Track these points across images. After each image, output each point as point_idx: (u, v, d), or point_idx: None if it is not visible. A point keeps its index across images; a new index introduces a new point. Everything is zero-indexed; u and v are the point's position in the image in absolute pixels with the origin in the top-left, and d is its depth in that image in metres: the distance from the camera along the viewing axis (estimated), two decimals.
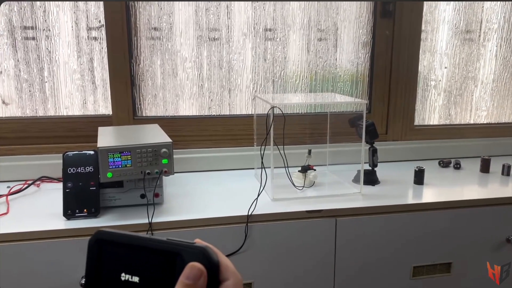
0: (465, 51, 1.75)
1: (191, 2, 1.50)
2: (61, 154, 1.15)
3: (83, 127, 1.49)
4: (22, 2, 1.40)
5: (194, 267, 0.35)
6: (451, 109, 1.80)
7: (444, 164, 1.62)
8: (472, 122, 1.83)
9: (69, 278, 1.04)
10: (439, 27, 1.70)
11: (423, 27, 1.66)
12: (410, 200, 1.30)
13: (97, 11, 1.45)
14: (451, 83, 1.77)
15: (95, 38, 1.48)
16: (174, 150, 1.21)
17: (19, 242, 1.03)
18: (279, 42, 1.59)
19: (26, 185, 1.32)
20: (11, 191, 1.27)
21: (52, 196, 1.25)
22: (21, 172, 1.39)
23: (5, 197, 1.23)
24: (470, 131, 1.78)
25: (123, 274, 0.37)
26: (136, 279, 0.37)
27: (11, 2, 1.40)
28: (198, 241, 0.38)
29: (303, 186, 1.34)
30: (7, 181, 1.36)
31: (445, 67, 1.75)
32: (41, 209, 1.17)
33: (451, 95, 1.78)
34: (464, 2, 1.69)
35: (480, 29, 1.74)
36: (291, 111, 1.63)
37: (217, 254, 0.37)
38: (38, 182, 1.37)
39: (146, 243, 0.37)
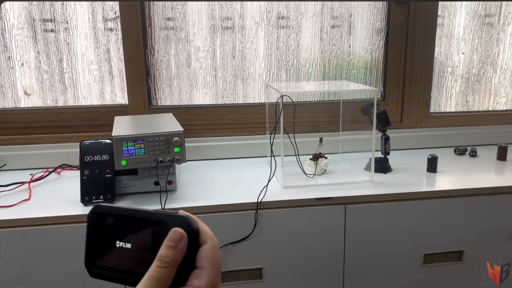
0: (484, 36, 1.71)
1: None
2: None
3: (101, 117, 1.54)
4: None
5: (176, 231, 0.39)
6: (469, 95, 1.77)
7: (460, 151, 1.60)
8: (490, 109, 1.79)
9: None
10: (456, 12, 1.67)
11: (439, 12, 1.63)
12: (421, 188, 1.29)
13: (113, 2, 1.48)
14: (468, 69, 1.74)
15: (111, 29, 1.51)
16: (188, 139, 1.25)
17: (40, 226, 1.08)
18: (291, 30, 1.59)
19: (47, 173, 1.38)
20: (33, 178, 1.33)
21: (71, 183, 1.30)
22: (43, 160, 1.45)
23: (27, 184, 1.29)
24: (488, 118, 1.74)
25: (117, 242, 0.42)
26: (128, 245, 0.42)
27: (11, 2, 1.44)
28: (182, 212, 0.42)
29: (314, 174, 1.35)
30: (29, 168, 1.43)
31: (463, 53, 1.71)
32: (60, 195, 1.22)
33: (469, 82, 1.75)
34: None
35: (500, 13, 1.70)
36: (303, 99, 1.63)
37: (197, 222, 0.42)
38: (58, 170, 1.43)
39: (136, 214, 0.42)
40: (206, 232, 0.41)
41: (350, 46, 1.64)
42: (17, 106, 1.52)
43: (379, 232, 1.23)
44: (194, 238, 0.41)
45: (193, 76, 1.58)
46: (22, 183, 1.29)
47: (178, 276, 0.40)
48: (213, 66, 1.58)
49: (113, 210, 0.43)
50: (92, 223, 0.43)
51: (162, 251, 0.39)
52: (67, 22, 1.48)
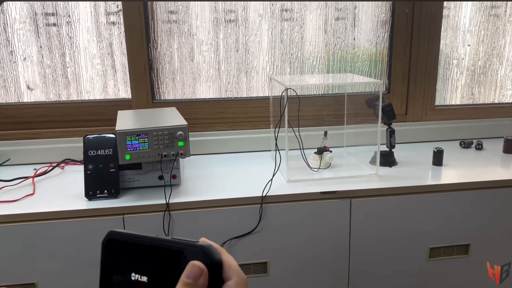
0: (490, 27, 1.69)
1: None
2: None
3: (104, 111, 1.53)
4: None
5: (194, 265, 0.35)
6: (474, 88, 1.75)
7: (466, 144, 1.58)
8: (496, 101, 1.78)
9: (90, 256, 1.09)
10: (462, 3, 1.64)
11: (445, 4, 1.61)
12: (426, 181, 1.29)
13: None
14: (474, 61, 1.72)
15: (113, 23, 1.50)
16: (191, 133, 1.24)
17: (44, 221, 1.08)
18: (295, 23, 1.58)
19: (51, 167, 1.38)
20: (37, 173, 1.33)
21: (75, 178, 1.30)
22: (46, 155, 1.45)
23: (31, 178, 1.28)
24: (494, 110, 1.73)
25: (133, 274, 0.38)
26: (144, 278, 0.37)
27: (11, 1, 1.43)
28: (203, 240, 0.38)
29: (319, 168, 1.34)
30: (33, 163, 1.42)
31: (468, 45, 1.69)
32: (64, 190, 1.22)
33: (475, 74, 1.73)
34: None
35: (507, 4, 1.67)
36: (308, 93, 1.62)
37: (220, 253, 0.37)
38: (62, 165, 1.42)
39: (152, 243, 0.38)
40: (230, 265, 0.36)
41: (354, 39, 1.62)
42: (20, 101, 1.52)
43: (385, 225, 1.23)
44: (216, 272, 0.36)
45: (196, 69, 1.57)
46: (26, 178, 1.28)
47: None
48: (217, 59, 1.57)
49: (128, 238, 0.39)
50: (106, 251, 0.39)
51: None
52: (69, 16, 1.47)
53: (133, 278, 0.38)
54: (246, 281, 0.37)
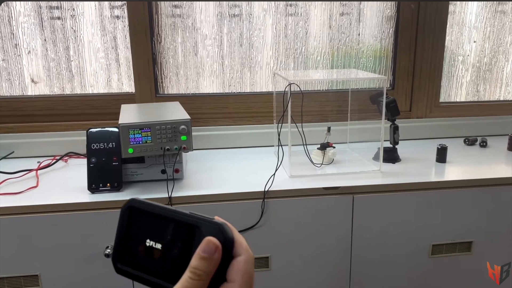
0: (496, 23, 1.67)
1: None
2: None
3: (108, 105, 1.53)
4: None
5: (210, 241, 0.37)
6: (480, 85, 1.74)
7: (470, 142, 1.58)
8: (502, 99, 1.76)
9: (93, 248, 1.10)
10: None
11: None
12: (430, 178, 1.28)
13: None
14: (480, 58, 1.70)
15: (117, 17, 1.50)
16: (194, 128, 1.24)
17: (47, 213, 1.09)
18: (300, 17, 1.57)
19: (54, 160, 1.38)
20: (41, 165, 1.34)
21: (78, 171, 1.30)
22: (50, 148, 1.45)
23: (35, 171, 1.29)
24: (499, 108, 1.72)
25: (148, 240, 0.40)
26: (159, 246, 0.40)
27: (11, 2, 1.43)
28: (217, 218, 0.40)
29: (322, 164, 1.34)
30: (37, 156, 1.43)
31: (474, 41, 1.68)
32: (67, 183, 1.22)
33: (480, 71, 1.72)
34: None
35: None
36: (311, 88, 1.61)
37: (232, 231, 0.39)
38: (66, 158, 1.43)
39: (170, 214, 0.40)
40: (241, 243, 0.39)
41: (359, 34, 1.62)
42: (24, 94, 1.52)
43: (387, 222, 1.22)
44: (228, 249, 0.38)
45: (200, 64, 1.57)
46: (30, 170, 1.29)
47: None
48: (220, 54, 1.56)
49: (148, 207, 0.41)
50: (125, 217, 0.41)
51: (195, 262, 0.37)
52: (74, 9, 1.47)
53: (147, 244, 0.40)
54: (253, 259, 0.40)
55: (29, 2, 1.44)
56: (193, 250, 0.38)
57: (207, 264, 0.37)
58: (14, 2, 1.44)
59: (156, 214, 0.41)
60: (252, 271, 0.39)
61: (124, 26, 1.50)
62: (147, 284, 0.41)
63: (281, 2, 1.54)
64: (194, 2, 1.50)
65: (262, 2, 1.53)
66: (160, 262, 0.40)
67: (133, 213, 0.41)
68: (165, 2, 1.49)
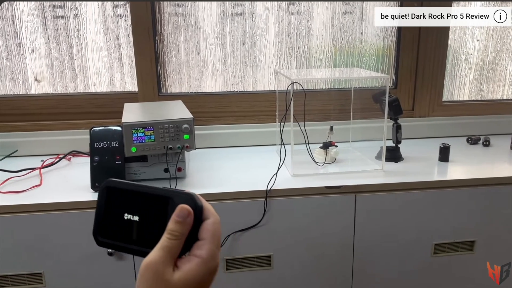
0: None
1: None
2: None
3: (111, 104, 1.54)
4: None
5: (183, 208, 0.43)
6: (483, 84, 1.73)
7: (473, 141, 1.57)
8: (505, 97, 1.76)
9: (96, 247, 1.10)
10: None
11: None
12: (432, 177, 1.28)
13: None
14: (483, 57, 1.70)
15: (120, 16, 1.50)
16: (197, 126, 1.24)
17: (51, 212, 1.09)
18: (302, 16, 1.57)
19: (57, 159, 1.39)
20: (44, 164, 1.34)
21: (81, 170, 1.31)
22: (53, 147, 1.46)
23: (38, 170, 1.30)
24: (502, 107, 1.71)
25: (126, 214, 0.45)
26: (136, 217, 0.45)
27: (11, 1, 1.43)
28: (188, 191, 0.46)
29: (324, 163, 1.34)
30: (40, 155, 1.44)
31: (477, 40, 1.68)
32: (71, 181, 1.23)
33: (483, 70, 1.71)
34: None
35: None
36: (314, 87, 1.61)
37: (200, 200, 0.45)
38: (69, 156, 1.43)
39: (145, 190, 0.45)
40: (209, 209, 0.46)
41: (362, 33, 1.61)
42: (28, 93, 1.53)
43: (389, 221, 1.22)
44: (198, 214, 0.44)
45: (202, 63, 1.57)
46: (33, 169, 1.30)
47: (183, 246, 0.43)
48: (223, 53, 1.57)
49: (123, 185, 0.46)
50: (103, 196, 0.46)
51: (171, 225, 0.43)
52: (77, 8, 1.48)
53: (125, 218, 0.45)
54: (219, 221, 0.46)
55: (32, 1, 1.45)
56: (168, 218, 0.43)
57: (181, 227, 0.43)
58: (17, 1, 1.44)
59: (131, 190, 0.45)
60: (219, 231, 0.45)
61: (127, 25, 1.50)
62: (127, 252, 0.46)
63: (283, 1, 1.54)
64: (197, 1, 1.50)
65: (265, 1, 1.53)
66: (138, 231, 0.45)
67: (110, 191, 0.46)
68: (168, 1, 1.49)
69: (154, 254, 0.42)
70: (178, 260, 0.43)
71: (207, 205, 0.46)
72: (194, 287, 0.42)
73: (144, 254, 0.43)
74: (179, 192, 0.45)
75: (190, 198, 0.44)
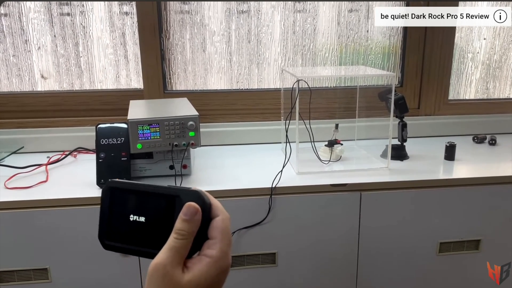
0: None
1: None
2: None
3: (116, 101, 1.54)
4: None
5: (190, 206, 0.42)
6: (489, 82, 1.72)
7: (479, 140, 1.56)
8: (511, 96, 1.75)
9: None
10: None
11: None
12: (438, 176, 1.28)
13: None
14: (489, 55, 1.69)
15: (126, 13, 1.51)
16: (202, 124, 1.24)
17: (57, 208, 1.10)
18: (308, 14, 1.56)
19: (64, 156, 1.39)
20: (50, 160, 1.35)
21: (87, 166, 1.31)
22: (59, 143, 1.47)
23: (44, 166, 1.30)
24: (509, 105, 1.70)
25: (131, 215, 0.43)
26: (142, 218, 0.43)
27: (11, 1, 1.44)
28: (194, 188, 0.44)
29: (329, 161, 1.34)
30: (46, 151, 1.44)
31: (484, 38, 1.67)
32: (77, 178, 1.24)
33: (490, 68, 1.70)
34: None
35: None
36: (319, 85, 1.61)
37: (208, 197, 0.44)
38: (75, 153, 1.44)
39: (150, 189, 0.43)
40: (217, 206, 0.44)
41: (368, 31, 1.61)
42: (34, 90, 1.54)
43: (394, 219, 1.22)
44: (207, 212, 0.42)
45: (208, 60, 1.57)
46: (39, 165, 1.30)
47: (193, 246, 0.42)
48: (228, 50, 1.57)
49: (127, 185, 0.44)
50: (106, 198, 0.44)
51: (179, 224, 0.41)
52: (83, 5, 1.48)
53: (131, 219, 0.43)
54: (229, 218, 0.44)
55: (33, 1, 1.46)
56: (175, 217, 0.42)
57: (189, 225, 0.41)
58: (17, 1, 1.45)
59: (136, 190, 0.43)
60: (229, 229, 0.43)
61: (133, 23, 1.50)
62: (135, 254, 0.44)
63: (288, 1, 1.54)
64: (203, 1, 1.51)
65: None
66: (145, 233, 0.43)
67: (114, 193, 0.44)
68: (174, 1, 1.50)
69: (162, 255, 0.40)
70: (188, 260, 0.42)
71: (215, 202, 0.44)
72: None
73: (152, 256, 0.41)
74: (185, 190, 0.43)
75: (197, 196, 0.42)
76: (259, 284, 1.21)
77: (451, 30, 1.60)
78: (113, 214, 0.44)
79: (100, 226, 0.45)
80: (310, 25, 1.57)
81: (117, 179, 0.45)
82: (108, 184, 0.44)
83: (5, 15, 1.46)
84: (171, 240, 0.41)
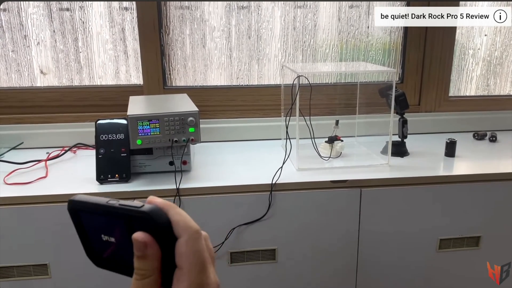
0: None
1: None
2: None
3: (116, 97, 1.53)
4: None
5: (136, 240, 0.35)
6: (490, 79, 1.72)
7: (479, 136, 1.56)
8: None
9: None
10: None
11: None
12: (438, 172, 1.27)
13: None
14: (490, 52, 1.68)
15: (126, 8, 1.50)
16: (202, 120, 1.24)
17: (56, 203, 1.10)
18: (309, 10, 1.56)
19: (63, 151, 1.39)
20: (50, 156, 1.35)
21: (87, 162, 1.31)
22: (59, 139, 1.46)
23: (44, 162, 1.30)
24: (509, 102, 1.70)
25: (103, 235, 0.39)
26: (112, 239, 0.38)
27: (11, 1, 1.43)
28: (150, 200, 0.37)
29: (329, 157, 1.34)
30: (46, 147, 1.44)
31: (485, 35, 1.66)
32: (76, 174, 1.23)
33: (491, 65, 1.70)
34: None
35: None
36: (320, 81, 1.61)
37: (167, 212, 0.36)
38: (74, 149, 1.44)
39: (105, 209, 0.37)
40: (178, 223, 0.35)
41: (368, 27, 1.60)
42: (33, 85, 1.53)
43: (394, 216, 1.22)
44: (165, 234, 0.35)
45: (208, 56, 1.56)
46: (39, 161, 1.30)
47: (164, 278, 0.36)
48: (228, 46, 1.56)
49: (85, 206, 0.38)
50: (74, 218, 0.40)
51: (135, 263, 0.36)
52: (82, 0, 1.47)
53: (104, 239, 0.38)
54: (198, 232, 0.36)
55: (32, 1, 1.45)
56: None
57: (145, 262, 0.35)
58: (17, 1, 1.44)
59: (95, 212, 0.38)
60: (200, 249, 0.35)
61: (133, 18, 1.50)
62: (127, 274, 0.39)
63: (288, 1, 1.53)
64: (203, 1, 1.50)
65: None
66: (119, 255, 0.38)
67: (78, 212, 0.39)
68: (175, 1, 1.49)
69: None
70: None
71: (176, 218, 0.35)
72: None
73: None
74: (135, 211, 0.35)
75: (148, 218, 0.35)
76: (259, 280, 1.21)
77: (452, 27, 1.59)
78: (88, 233, 0.40)
79: (84, 247, 0.41)
80: (310, 21, 1.57)
81: (78, 196, 0.39)
82: (69, 205, 0.39)
83: (4, 10, 1.45)
84: (133, 282, 0.36)
